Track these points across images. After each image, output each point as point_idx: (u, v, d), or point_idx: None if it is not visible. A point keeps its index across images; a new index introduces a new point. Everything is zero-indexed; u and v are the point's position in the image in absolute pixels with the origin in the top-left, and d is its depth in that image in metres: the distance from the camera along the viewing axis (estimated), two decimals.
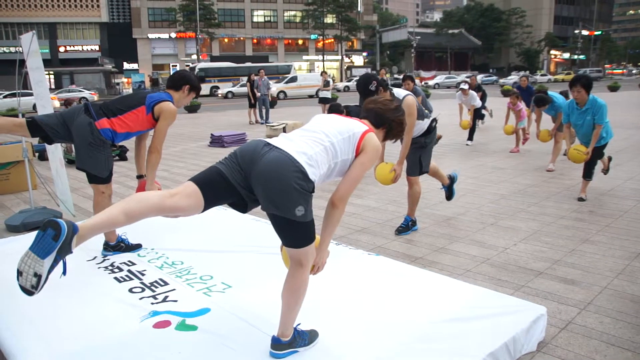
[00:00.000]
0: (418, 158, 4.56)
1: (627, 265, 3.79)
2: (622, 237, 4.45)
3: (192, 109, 23.13)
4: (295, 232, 2.23)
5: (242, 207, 2.36)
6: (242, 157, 2.26)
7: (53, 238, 1.81)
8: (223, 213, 4.99)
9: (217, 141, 11.26)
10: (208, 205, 2.28)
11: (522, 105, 9.56)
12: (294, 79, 35.50)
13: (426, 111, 4.51)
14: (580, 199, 5.70)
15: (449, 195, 5.15)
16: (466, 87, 10.73)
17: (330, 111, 6.84)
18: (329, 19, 57.37)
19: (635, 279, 3.54)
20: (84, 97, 34.38)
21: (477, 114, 10.81)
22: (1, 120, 3.84)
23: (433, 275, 3.45)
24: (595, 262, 3.88)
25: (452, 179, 5.12)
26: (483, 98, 12.13)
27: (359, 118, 2.56)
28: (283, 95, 33.88)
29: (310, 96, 34.06)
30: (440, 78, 53.71)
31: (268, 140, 2.30)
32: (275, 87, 34.00)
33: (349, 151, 2.34)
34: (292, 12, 62.35)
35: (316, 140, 2.29)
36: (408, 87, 8.35)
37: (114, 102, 3.78)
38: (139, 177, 4.12)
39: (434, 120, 4.58)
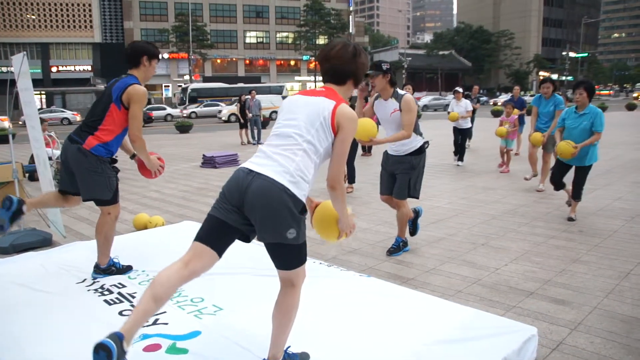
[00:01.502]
0: (407, 181, 4.45)
1: (616, 285, 3.81)
2: (612, 256, 4.48)
3: (184, 129, 23.18)
4: (287, 255, 2.24)
5: (245, 238, 2.39)
6: (230, 194, 2.26)
7: (107, 358, 1.94)
8: None
9: (209, 162, 11.26)
10: (221, 252, 2.33)
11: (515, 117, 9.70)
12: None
13: (420, 130, 4.53)
14: (570, 219, 5.74)
15: (413, 230, 4.96)
16: (461, 90, 10.82)
17: None
18: (321, 40, 57.97)
19: (624, 299, 3.56)
20: (66, 118, 34.29)
21: (466, 135, 10.80)
22: (47, 196, 3.92)
23: (425, 297, 3.45)
24: (586, 282, 3.90)
25: (417, 213, 4.91)
26: (471, 119, 12.24)
27: (324, 83, 2.46)
28: (235, 117, 31.78)
29: (270, 117, 32.73)
30: (427, 99, 48.94)
31: (248, 165, 2.27)
32: (226, 110, 33.17)
33: (327, 136, 2.29)
34: (285, 34, 63.00)
35: (292, 148, 2.25)
36: (409, 91, 8.49)
37: (89, 116, 3.74)
38: (132, 157, 4.05)
39: (426, 142, 4.57)
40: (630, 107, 34.25)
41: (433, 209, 6.44)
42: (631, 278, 3.96)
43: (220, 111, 35.21)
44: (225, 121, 32.35)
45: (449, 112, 10.75)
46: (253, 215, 2.20)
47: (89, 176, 3.67)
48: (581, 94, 5.56)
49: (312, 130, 2.27)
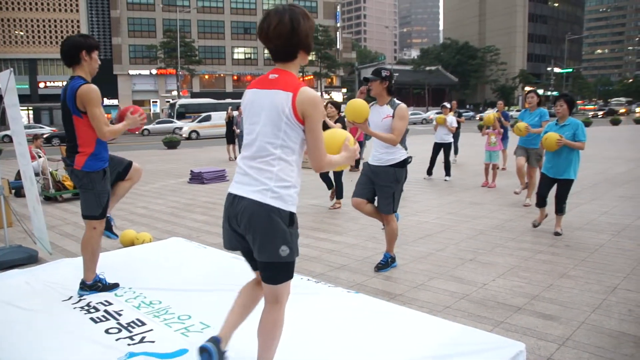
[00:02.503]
0: (392, 195, 4.45)
1: (603, 300, 3.83)
2: (598, 271, 4.52)
3: (171, 145, 23.11)
4: (277, 270, 2.25)
5: None
6: (228, 223, 2.32)
7: (208, 359, 2.25)
8: (202, 251, 4.94)
9: (196, 177, 11.21)
10: None
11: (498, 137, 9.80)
12: (207, 118, 32.20)
13: (406, 144, 4.55)
14: (557, 234, 5.78)
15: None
16: (448, 105, 10.96)
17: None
18: (309, 56, 58.28)
19: (612, 314, 3.58)
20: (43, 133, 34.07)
21: (448, 149, 10.83)
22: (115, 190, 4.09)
23: (413, 313, 3.45)
24: (573, 297, 3.92)
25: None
26: (456, 136, 12.51)
27: (274, 62, 2.28)
28: (195, 135, 31.59)
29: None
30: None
31: (232, 189, 2.29)
32: (187, 127, 32.09)
33: (298, 132, 2.20)
34: None
35: (267, 159, 2.19)
36: None
37: (66, 137, 3.72)
38: None
39: (410, 157, 4.56)
40: (615, 122, 34.78)
41: (421, 224, 6.46)
42: (618, 293, 3.98)
43: (180, 128, 33.91)
44: (186, 138, 30.81)
45: (435, 120, 10.82)
46: (248, 237, 2.24)
47: (82, 195, 3.76)
48: (561, 106, 5.70)
49: (280, 134, 2.17)
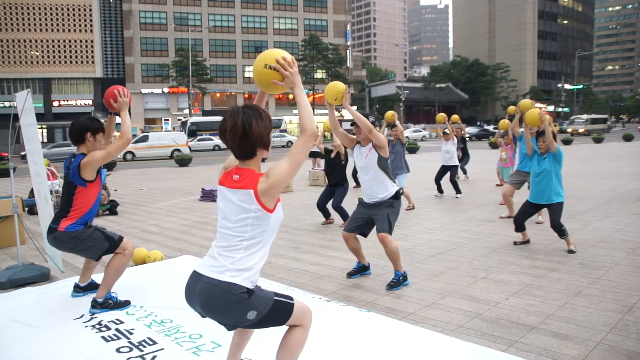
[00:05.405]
0: (387, 215, 4.60)
1: (620, 319, 3.77)
2: (614, 289, 4.45)
3: (183, 162, 23.25)
4: (268, 323, 2.32)
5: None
6: (188, 301, 2.36)
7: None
8: None
9: (207, 195, 11.26)
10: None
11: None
12: (144, 139, 31.15)
13: (392, 178, 4.75)
14: (570, 251, 5.72)
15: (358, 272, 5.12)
16: (448, 131, 10.98)
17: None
18: (319, 74, 58.69)
19: (629, 334, 3.51)
20: None
21: (454, 171, 10.78)
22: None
23: (425, 332, 3.41)
24: (588, 316, 3.86)
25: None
26: (466, 160, 12.59)
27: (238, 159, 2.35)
28: (131, 156, 29.72)
29: (171, 157, 28.99)
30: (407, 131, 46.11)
31: (196, 267, 2.34)
32: None
33: (265, 220, 2.25)
34: None
35: (233, 248, 2.26)
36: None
37: (61, 200, 3.93)
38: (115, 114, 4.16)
39: (401, 189, 4.84)
40: (627, 138, 34.51)
41: (432, 242, 6.42)
42: (635, 312, 3.91)
43: None
44: (122, 160, 28.77)
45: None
46: (208, 314, 2.30)
47: (79, 251, 3.87)
48: (544, 142, 5.91)
49: (248, 228, 2.24)
